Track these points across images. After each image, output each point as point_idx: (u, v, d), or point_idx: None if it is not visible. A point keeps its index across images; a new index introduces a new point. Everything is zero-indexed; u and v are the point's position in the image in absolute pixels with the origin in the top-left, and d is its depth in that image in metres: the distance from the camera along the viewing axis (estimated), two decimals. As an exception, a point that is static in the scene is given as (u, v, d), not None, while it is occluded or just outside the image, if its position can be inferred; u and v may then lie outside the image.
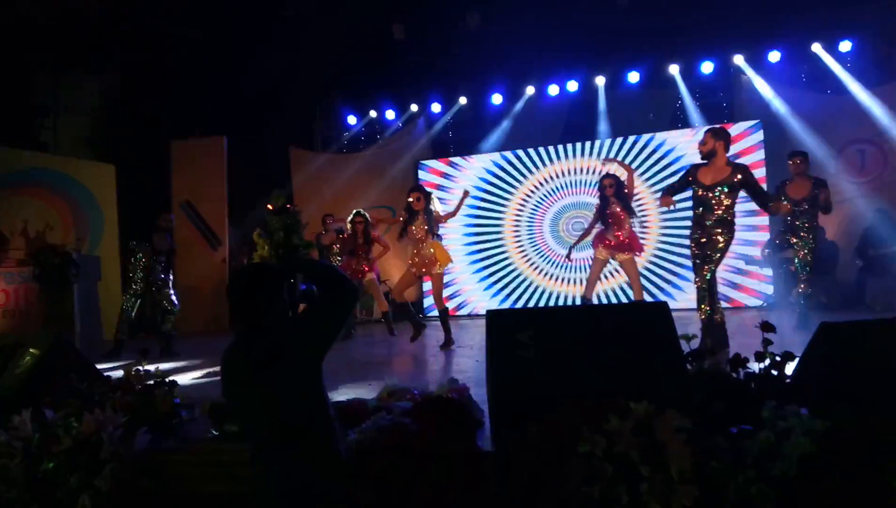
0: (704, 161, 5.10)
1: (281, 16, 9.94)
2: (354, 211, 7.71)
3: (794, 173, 6.52)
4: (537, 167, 10.78)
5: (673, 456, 2.07)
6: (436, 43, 10.74)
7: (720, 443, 2.13)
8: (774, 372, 2.39)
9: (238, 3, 9.51)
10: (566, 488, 2.09)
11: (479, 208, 11.04)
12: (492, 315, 2.66)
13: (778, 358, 2.39)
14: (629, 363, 2.43)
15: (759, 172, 9.31)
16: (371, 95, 11.64)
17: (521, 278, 10.80)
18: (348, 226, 7.65)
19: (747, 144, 9.48)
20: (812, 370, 2.41)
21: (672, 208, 5.30)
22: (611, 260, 6.61)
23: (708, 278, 4.99)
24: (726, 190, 4.95)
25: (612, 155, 9.91)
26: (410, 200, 6.47)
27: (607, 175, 6.66)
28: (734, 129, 9.62)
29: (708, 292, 4.97)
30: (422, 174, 11.30)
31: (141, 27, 9.87)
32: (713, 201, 4.98)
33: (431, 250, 6.42)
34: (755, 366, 2.53)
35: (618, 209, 6.42)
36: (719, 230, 4.98)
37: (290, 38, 10.15)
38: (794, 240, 6.39)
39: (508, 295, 10.80)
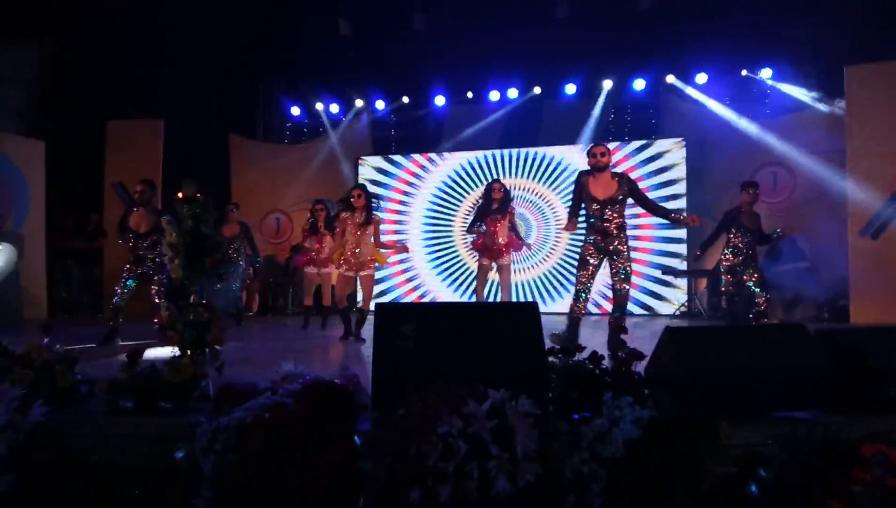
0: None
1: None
2: (314, 200, 8.14)
3: (750, 203, 6.84)
4: (492, 171, 11.13)
5: (519, 438, 2.34)
6: (381, 41, 10.91)
7: (562, 427, 2.41)
8: (623, 368, 2.70)
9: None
10: (424, 463, 2.33)
11: (434, 203, 11.45)
12: (378, 309, 2.88)
13: (625, 356, 2.71)
14: (496, 355, 2.69)
15: (681, 187, 9.85)
16: (315, 88, 11.74)
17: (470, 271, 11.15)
18: (309, 215, 8.02)
19: (671, 160, 9.99)
20: (657, 367, 2.72)
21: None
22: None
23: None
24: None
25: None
26: (353, 196, 6.53)
27: (497, 180, 6.98)
28: (659, 145, 10.15)
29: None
30: (362, 170, 11.45)
31: None
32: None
33: (368, 250, 6.49)
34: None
35: (498, 215, 6.72)
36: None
37: (234, 25, 10.14)
38: (745, 267, 6.83)
39: (460, 285, 11.18)
